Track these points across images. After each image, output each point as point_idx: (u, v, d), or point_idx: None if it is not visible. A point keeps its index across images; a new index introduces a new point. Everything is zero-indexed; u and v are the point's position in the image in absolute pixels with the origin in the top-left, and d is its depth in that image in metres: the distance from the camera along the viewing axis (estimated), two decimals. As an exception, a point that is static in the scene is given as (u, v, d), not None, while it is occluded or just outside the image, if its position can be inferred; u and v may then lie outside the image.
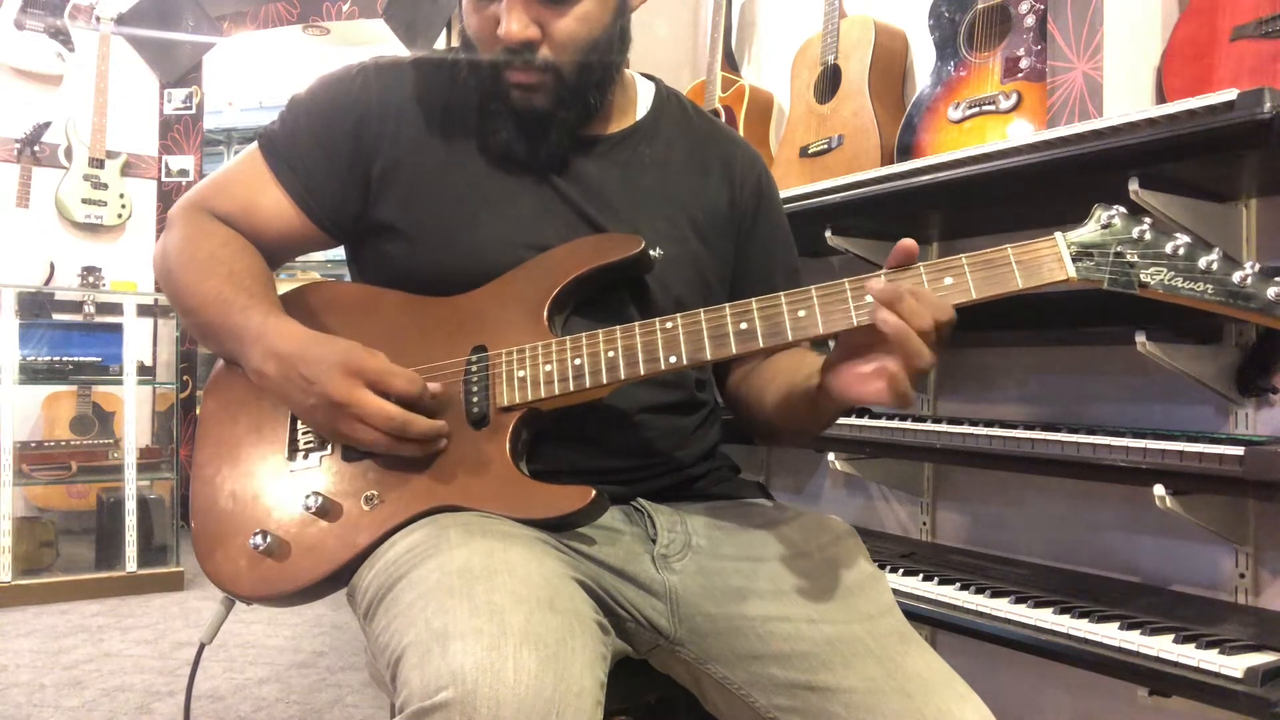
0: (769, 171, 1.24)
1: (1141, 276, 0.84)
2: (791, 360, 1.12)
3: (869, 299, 0.88)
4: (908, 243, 0.89)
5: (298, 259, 1.23)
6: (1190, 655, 1.21)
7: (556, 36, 1.01)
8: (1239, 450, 1.24)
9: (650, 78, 1.20)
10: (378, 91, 1.10)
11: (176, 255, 1.10)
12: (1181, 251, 0.83)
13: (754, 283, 1.17)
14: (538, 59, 1.01)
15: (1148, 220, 0.85)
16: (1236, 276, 0.81)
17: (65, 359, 3.64)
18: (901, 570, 1.66)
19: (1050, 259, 0.85)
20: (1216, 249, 0.82)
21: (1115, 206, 0.86)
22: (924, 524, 2.06)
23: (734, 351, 0.93)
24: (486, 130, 1.07)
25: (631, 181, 1.12)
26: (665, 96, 1.19)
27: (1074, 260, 0.85)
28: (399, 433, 0.95)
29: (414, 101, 1.10)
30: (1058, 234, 0.86)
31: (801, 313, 0.90)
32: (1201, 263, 0.82)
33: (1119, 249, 0.84)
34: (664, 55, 3.00)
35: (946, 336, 0.85)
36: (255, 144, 1.13)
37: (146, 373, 4.10)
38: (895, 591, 1.03)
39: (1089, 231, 0.86)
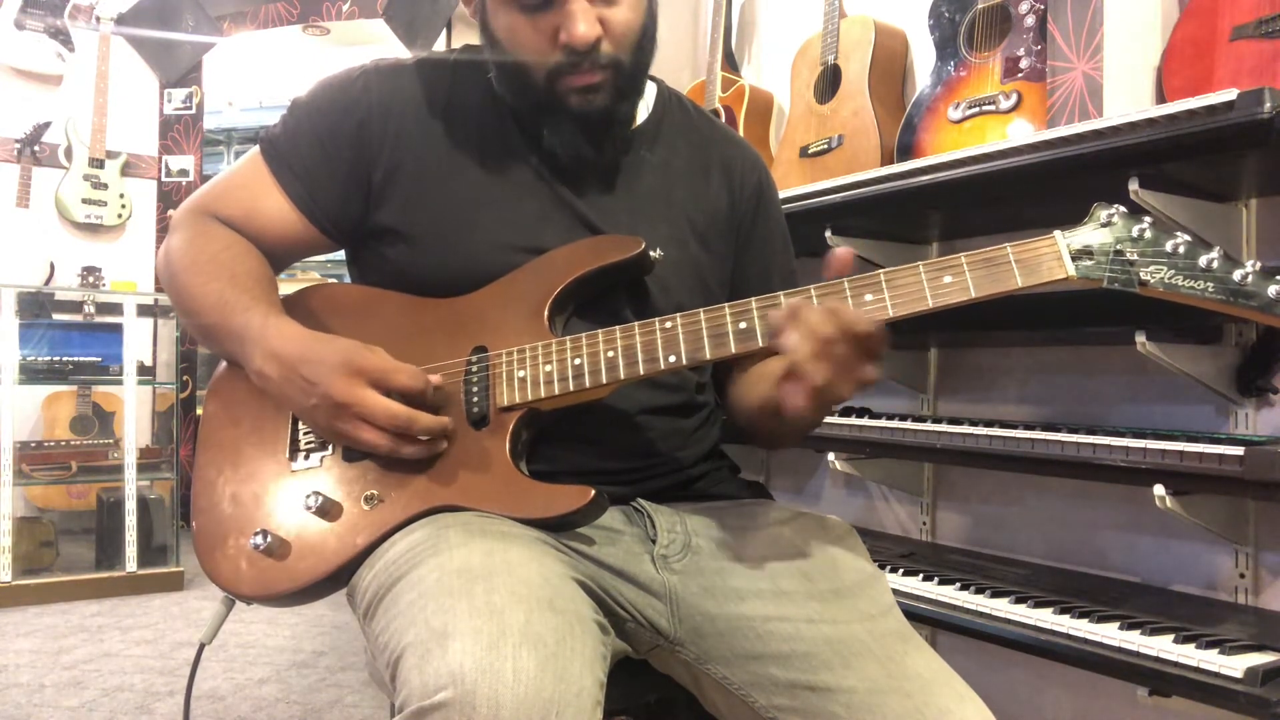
0: (769, 174, 1.24)
1: (1142, 275, 0.84)
2: (773, 367, 1.12)
3: (868, 297, 0.88)
4: (842, 251, 0.90)
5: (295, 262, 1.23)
6: (1190, 655, 1.21)
7: (615, 29, 1.01)
8: (1239, 450, 1.24)
9: (652, 78, 1.20)
10: (379, 94, 1.09)
11: (179, 259, 1.10)
12: (1182, 250, 0.83)
13: (751, 286, 1.17)
14: (601, 56, 1.01)
15: (1148, 219, 0.85)
16: (1237, 275, 0.81)
17: (65, 359, 3.64)
18: (901, 570, 1.66)
19: (1050, 258, 0.85)
20: (1217, 247, 0.82)
21: (1115, 205, 0.86)
22: (924, 524, 2.06)
23: (733, 351, 0.93)
24: (548, 144, 1.06)
25: (632, 185, 1.12)
26: (667, 98, 1.19)
27: (1073, 259, 0.85)
28: (403, 430, 0.95)
29: (415, 104, 1.10)
30: (1057, 233, 0.86)
31: (801, 312, 0.90)
32: (1202, 261, 0.82)
33: (1119, 247, 0.84)
34: (664, 55, 2.98)
35: (875, 349, 0.86)
36: (257, 147, 1.13)
37: (146, 373, 4.11)
38: (895, 591, 1.03)
39: (1088, 230, 0.86)
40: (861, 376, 0.87)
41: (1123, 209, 0.86)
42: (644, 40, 1.05)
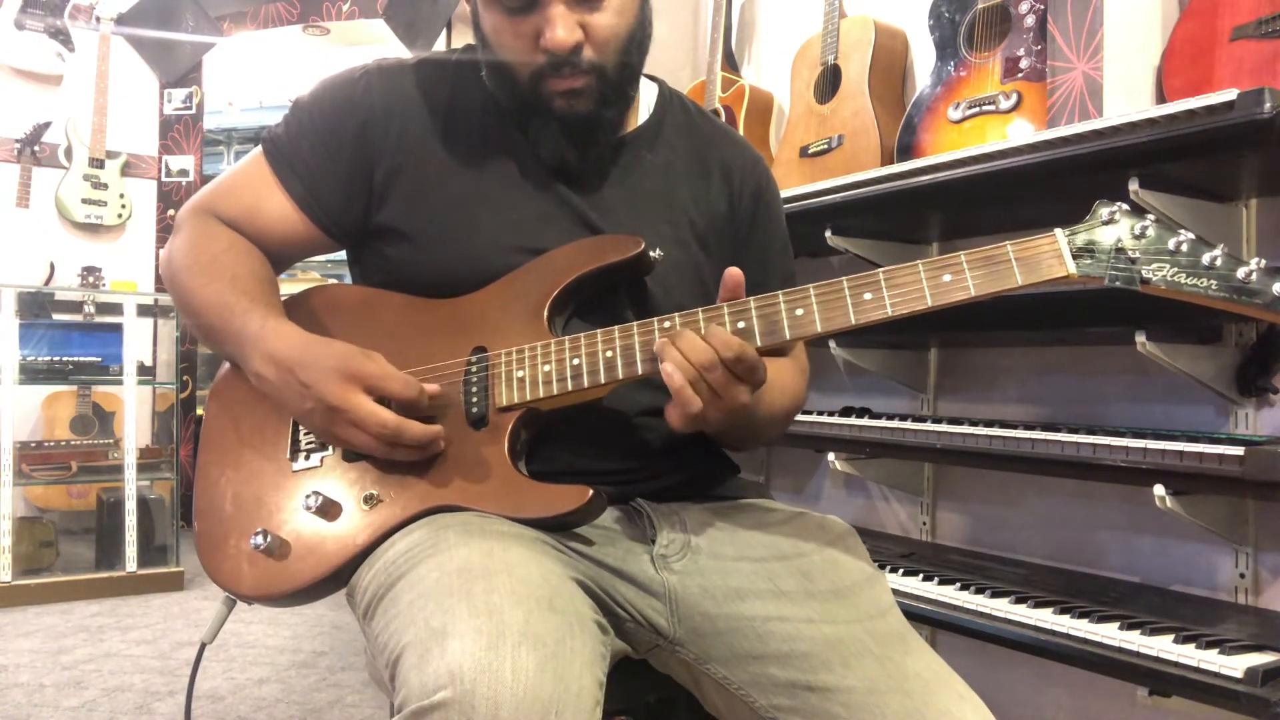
0: (770, 175, 1.23)
1: (1144, 273, 0.82)
2: None
3: (868, 296, 0.88)
4: (734, 271, 0.95)
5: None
6: (1190, 655, 1.21)
7: (598, 34, 1.00)
8: (1239, 450, 1.24)
9: (653, 79, 1.20)
10: (381, 94, 1.09)
11: (181, 259, 1.10)
12: (1185, 248, 0.82)
13: (750, 288, 1.16)
14: (583, 61, 1.00)
15: (1150, 216, 0.84)
16: (1241, 272, 0.80)
17: (65, 359, 3.64)
18: (901, 570, 1.66)
19: (1050, 256, 0.84)
20: (1220, 245, 0.81)
21: (1117, 203, 0.85)
22: (924, 524, 2.06)
23: (732, 351, 0.92)
24: (533, 145, 1.06)
25: (634, 186, 1.12)
26: (668, 99, 1.19)
27: (1074, 257, 0.84)
28: (392, 439, 0.95)
29: (417, 104, 1.10)
30: (1058, 230, 0.85)
31: (799, 311, 0.90)
32: (1205, 259, 0.81)
33: (1120, 245, 0.83)
34: (664, 55, 3.00)
35: (745, 374, 0.90)
36: (259, 147, 1.13)
37: (146, 373, 4.10)
38: (895, 591, 1.03)
39: (1090, 228, 0.85)
40: (728, 403, 0.90)
41: (1125, 206, 0.85)
42: (630, 46, 1.04)
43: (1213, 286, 0.81)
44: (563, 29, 0.97)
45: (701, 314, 0.94)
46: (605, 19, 1.00)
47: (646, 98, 1.17)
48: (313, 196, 1.10)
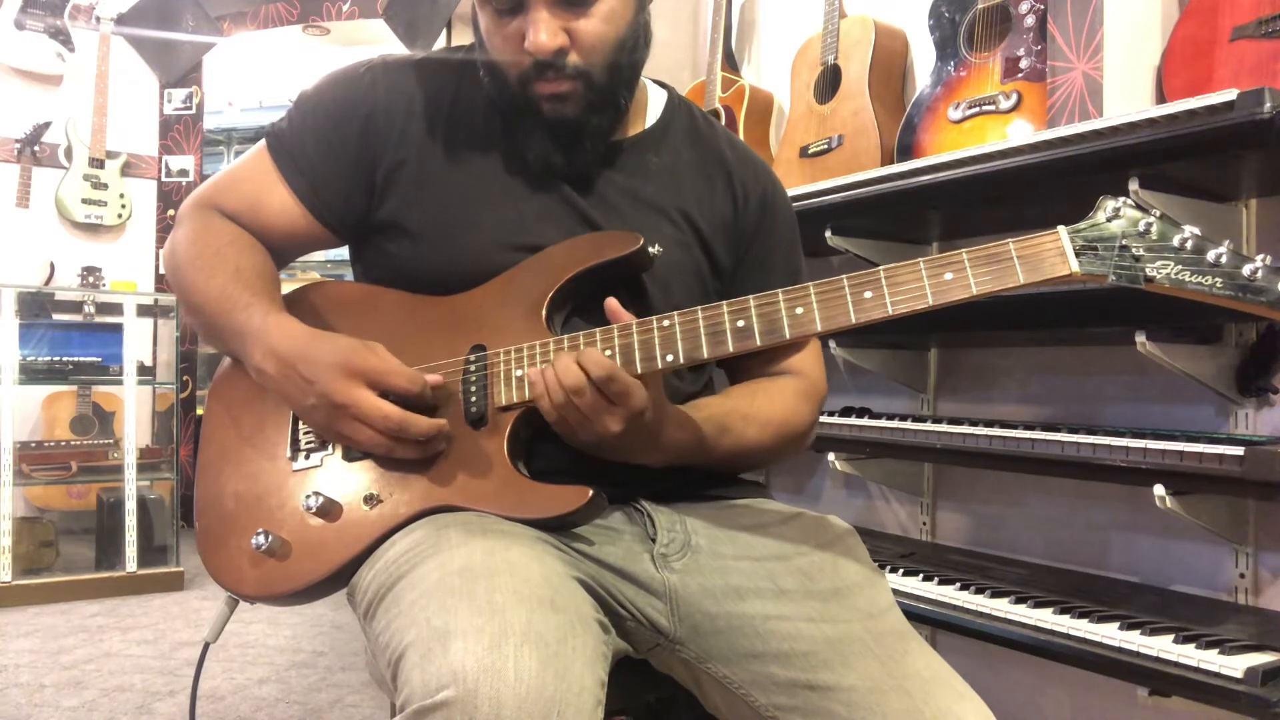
0: (779, 186, 1.22)
1: (1148, 271, 0.81)
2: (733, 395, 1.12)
3: (868, 295, 0.88)
4: (612, 303, 0.97)
5: (298, 258, 1.23)
6: (1190, 655, 1.21)
7: (584, 40, 1.00)
8: (1239, 450, 1.25)
9: (662, 85, 1.20)
10: (385, 90, 1.10)
11: (184, 252, 1.10)
12: (1190, 245, 0.81)
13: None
14: (568, 66, 1.00)
15: (1155, 212, 0.83)
16: (1246, 270, 0.79)
17: (65, 359, 3.64)
18: (901, 570, 1.66)
19: (1053, 254, 0.83)
20: (1226, 242, 0.80)
21: (1122, 198, 0.84)
22: (924, 524, 2.06)
23: (730, 350, 0.92)
24: (521, 146, 1.06)
25: (637, 187, 1.11)
26: (676, 105, 1.19)
27: (1077, 254, 0.83)
28: (397, 434, 0.95)
29: (421, 101, 1.10)
30: (1060, 228, 0.84)
31: (799, 310, 0.90)
32: (1210, 256, 0.80)
33: (1124, 243, 0.82)
34: (664, 55, 3.00)
35: (613, 393, 0.90)
36: (263, 141, 1.13)
37: (146, 373, 4.10)
38: (895, 591, 1.03)
39: (1093, 224, 0.84)
40: (600, 429, 0.91)
41: (1130, 201, 0.83)
42: (620, 53, 1.03)
43: (1217, 284, 0.80)
44: (544, 33, 0.97)
45: (700, 313, 0.94)
46: (591, 25, 1.00)
47: (654, 102, 1.17)
48: (316, 191, 1.10)
